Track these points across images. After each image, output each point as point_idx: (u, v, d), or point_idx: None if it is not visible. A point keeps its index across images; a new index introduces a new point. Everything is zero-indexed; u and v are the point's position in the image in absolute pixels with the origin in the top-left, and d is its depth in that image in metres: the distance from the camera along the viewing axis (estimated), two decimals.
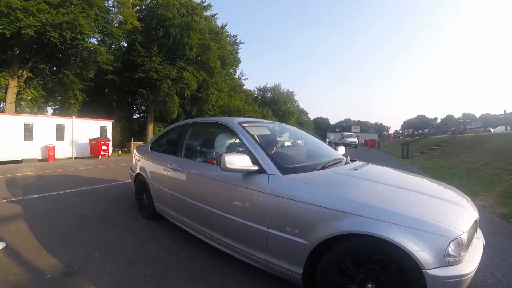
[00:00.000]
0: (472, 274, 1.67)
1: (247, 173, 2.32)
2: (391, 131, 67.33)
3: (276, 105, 51.71)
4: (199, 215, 2.85)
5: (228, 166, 2.20)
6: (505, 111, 14.41)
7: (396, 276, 1.65)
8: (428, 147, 16.28)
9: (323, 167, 2.50)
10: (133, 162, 4.72)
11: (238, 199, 2.43)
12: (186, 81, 24.78)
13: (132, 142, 22.22)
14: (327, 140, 50.44)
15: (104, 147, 16.09)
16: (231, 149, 2.90)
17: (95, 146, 15.87)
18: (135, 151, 4.84)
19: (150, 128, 26.52)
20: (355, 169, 2.61)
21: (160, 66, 23.08)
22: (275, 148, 3.00)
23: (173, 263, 2.71)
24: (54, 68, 20.65)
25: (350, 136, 39.00)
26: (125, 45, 25.72)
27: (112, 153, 18.50)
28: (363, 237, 1.70)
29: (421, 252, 1.57)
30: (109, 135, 18.27)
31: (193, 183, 3.02)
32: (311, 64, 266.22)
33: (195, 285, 2.34)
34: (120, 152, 21.64)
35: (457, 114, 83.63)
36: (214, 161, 2.89)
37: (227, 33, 31.31)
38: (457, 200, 2.14)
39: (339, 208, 1.81)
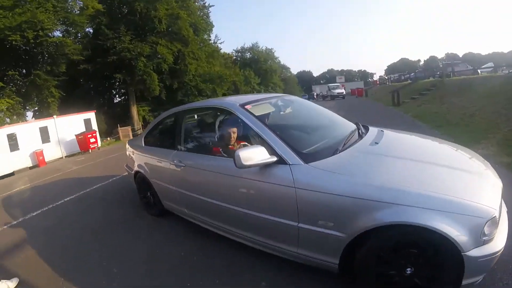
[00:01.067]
0: (501, 250, 1.63)
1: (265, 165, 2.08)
2: (375, 77, 66.47)
3: (257, 65, 50.52)
4: (216, 212, 2.65)
5: (245, 163, 1.97)
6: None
7: (435, 259, 1.62)
8: (417, 92, 16.23)
9: (344, 146, 2.25)
10: (128, 156, 4.39)
11: (259, 195, 2.19)
12: (161, 55, 23.81)
13: (119, 128, 21.70)
14: (314, 94, 50.13)
15: (92, 140, 15.74)
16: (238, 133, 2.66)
17: (82, 141, 15.47)
18: (127, 146, 4.49)
19: (134, 109, 25.78)
20: (376, 143, 2.39)
21: (131, 45, 22.00)
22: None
23: (197, 265, 2.57)
24: (24, 71, 19.57)
25: (337, 87, 38.40)
26: (91, 31, 24.29)
27: (101, 143, 18.05)
28: (404, 226, 1.60)
29: (461, 236, 1.52)
30: (94, 126, 17.73)
31: (203, 180, 2.77)
32: (286, 17, 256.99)
33: (228, 287, 2.24)
34: (109, 139, 21.17)
35: (440, 55, 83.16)
36: (220, 150, 2.61)
37: None
38: (484, 171, 2.05)
39: (376, 198, 1.67)
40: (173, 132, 3.32)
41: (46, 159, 13.94)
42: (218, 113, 2.98)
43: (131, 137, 22.32)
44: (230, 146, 2.62)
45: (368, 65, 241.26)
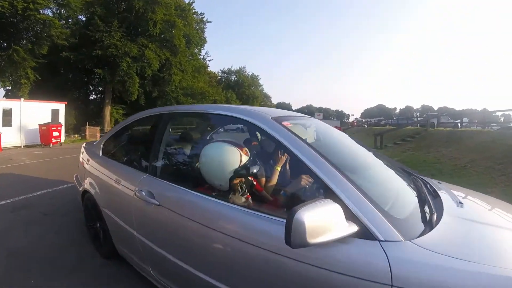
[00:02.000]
0: None
1: None
2: (351, 119, 69.27)
3: (240, 89, 50.03)
4: None
5: (312, 241, 1.02)
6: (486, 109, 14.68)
7: None
8: (400, 138, 16.13)
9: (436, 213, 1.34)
10: (80, 163, 3.25)
11: None
12: (148, 59, 22.75)
13: (87, 127, 20.11)
14: None
15: (55, 134, 14.02)
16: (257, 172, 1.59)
17: (45, 133, 13.75)
18: (82, 149, 3.38)
19: (107, 110, 24.16)
20: (460, 203, 1.61)
21: (120, 43, 20.81)
22: None
23: None
24: (5, 44, 17.70)
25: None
26: (83, 19, 22.91)
27: (65, 138, 16.38)
28: None
29: None
30: (62, 119, 16.03)
31: (192, 236, 1.58)
32: (276, 49, 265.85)
33: None
34: (75, 136, 19.38)
35: (416, 106, 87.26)
36: (239, 187, 1.54)
37: (194, 10, 29.07)
38: None
39: None
40: (148, 143, 2.17)
41: (3, 145, 12.15)
42: (236, 127, 2.06)
43: (99, 138, 20.57)
44: (258, 187, 1.62)
45: (345, 106, 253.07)
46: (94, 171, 2.70)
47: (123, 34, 21.60)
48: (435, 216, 1.29)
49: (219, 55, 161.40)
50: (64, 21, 20.60)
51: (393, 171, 1.89)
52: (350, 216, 1.12)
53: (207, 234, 1.46)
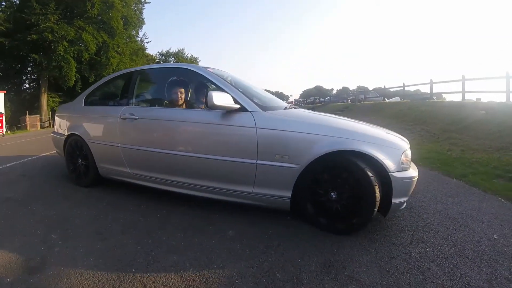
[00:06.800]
0: (416, 178, 2.25)
1: (227, 112, 2.39)
2: (291, 99, 72.08)
3: None
4: (170, 165, 2.70)
5: (216, 103, 2.24)
6: (403, 83, 17.01)
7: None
8: (331, 112, 17.85)
9: (289, 107, 2.83)
10: (57, 125, 4.13)
11: (223, 138, 2.46)
12: (85, 43, 21.72)
13: (27, 116, 19.09)
14: None
15: None
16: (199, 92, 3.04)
17: None
18: (58, 112, 4.26)
19: (44, 99, 22.80)
20: (311, 110, 3.08)
21: (56, 26, 19.73)
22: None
23: (153, 226, 2.38)
24: None
25: None
26: (17, 1, 21.03)
27: (6, 131, 15.58)
28: (344, 152, 2.11)
29: (386, 160, 2.08)
30: (1, 109, 15.21)
31: (161, 131, 2.82)
32: (217, 32, 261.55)
33: (194, 238, 2.16)
34: (14, 130, 18.13)
35: (352, 87, 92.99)
36: (184, 106, 2.91)
37: None
38: (390, 132, 2.61)
39: (325, 133, 2.17)
40: (124, 90, 3.38)
41: None
42: (180, 74, 3.12)
43: (39, 128, 19.83)
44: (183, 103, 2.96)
45: (284, 87, 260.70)
46: (79, 117, 3.67)
47: (60, 17, 20.55)
48: (286, 108, 2.76)
49: (158, 38, 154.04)
50: None
51: (279, 99, 3.36)
52: (236, 102, 2.41)
53: (167, 125, 2.78)
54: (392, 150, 2.15)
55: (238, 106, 2.38)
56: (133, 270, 1.77)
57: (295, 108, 2.96)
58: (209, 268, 1.78)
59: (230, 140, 2.43)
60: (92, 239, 2.21)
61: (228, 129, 2.40)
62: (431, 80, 13.61)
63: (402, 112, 11.20)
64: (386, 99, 20.96)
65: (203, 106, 2.86)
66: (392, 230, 2.29)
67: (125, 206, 2.88)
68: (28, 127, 18.48)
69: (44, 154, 6.44)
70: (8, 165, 5.24)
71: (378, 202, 2.07)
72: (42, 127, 20.71)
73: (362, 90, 34.93)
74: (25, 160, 5.75)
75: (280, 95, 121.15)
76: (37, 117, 19.58)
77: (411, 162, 2.39)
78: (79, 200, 3.11)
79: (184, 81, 3.03)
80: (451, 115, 8.35)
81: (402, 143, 2.31)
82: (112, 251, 2.01)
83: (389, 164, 2.08)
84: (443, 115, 8.64)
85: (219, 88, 2.57)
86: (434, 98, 13.75)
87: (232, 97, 2.41)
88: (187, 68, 3.04)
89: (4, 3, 20.22)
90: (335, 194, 2.17)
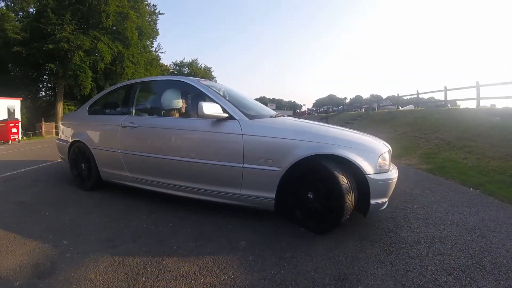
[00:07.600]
0: (395, 180, 2.39)
1: (217, 120, 2.61)
2: (304, 108, 72.20)
3: None
4: (164, 168, 2.91)
5: (206, 112, 2.48)
6: (417, 91, 16.65)
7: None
8: (344, 121, 17.96)
9: (275, 116, 2.99)
10: (62, 133, 4.37)
11: (212, 144, 2.68)
12: (100, 52, 22.22)
13: (43, 123, 19.55)
14: None
15: (14, 130, 13.87)
16: (194, 103, 3.13)
17: (3, 129, 13.51)
18: (63, 120, 4.53)
19: (60, 106, 23.25)
20: (298, 119, 3.25)
21: (72, 36, 20.19)
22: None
23: (164, 235, 2.37)
24: None
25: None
26: (34, 11, 21.78)
27: (22, 137, 15.95)
28: (321, 156, 2.27)
29: (363, 162, 2.22)
30: (18, 115, 15.68)
31: (156, 137, 3.03)
32: (230, 42, 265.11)
33: (205, 248, 2.13)
34: (30, 136, 18.64)
35: (365, 95, 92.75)
36: (178, 115, 3.13)
37: (146, 1, 28.66)
38: (370, 137, 2.74)
39: (305, 139, 2.35)
40: (125, 100, 3.59)
41: None
42: (175, 86, 3.30)
43: (55, 135, 20.26)
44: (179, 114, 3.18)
45: (297, 97, 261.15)
46: (83, 125, 3.86)
47: (75, 27, 21.03)
48: (272, 116, 2.94)
49: (172, 47, 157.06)
50: (14, 14, 19.68)
51: (263, 107, 3.57)
52: (225, 111, 2.62)
53: (163, 132, 2.98)
54: (369, 153, 2.29)
55: (226, 115, 2.61)
56: (144, 279, 1.75)
57: (283, 116, 3.14)
58: (221, 279, 1.74)
59: (219, 146, 2.65)
60: (104, 246, 2.21)
61: (217, 136, 2.62)
62: (445, 87, 13.28)
63: (416, 120, 10.95)
64: (400, 107, 20.63)
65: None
66: (408, 242, 2.22)
67: (138, 213, 2.89)
68: (43, 134, 18.94)
69: (58, 160, 6.50)
70: (22, 170, 5.38)
71: (349, 203, 2.17)
72: (57, 134, 21.04)
73: (375, 99, 34.65)
74: (39, 165, 5.90)
75: (293, 105, 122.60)
76: (53, 124, 20.05)
77: (392, 165, 2.56)
78: (91, 207, 3.15)
79: (179, 92, 3.22)
80: (466, 122, 8.13)
81: (380, 146, 2.44)
82: (123, 258, 2.00)
83: (366, 166, 2.22)
84: (458, 123, 8.42)
85: (209, 99, 2.78)
86: (449, 105, 13.41)
87: (221, 106, 2.63)
88: (182, 81, 3.23)
89: (21, 13, 20.93)
90: (311, 195, 2.33)
